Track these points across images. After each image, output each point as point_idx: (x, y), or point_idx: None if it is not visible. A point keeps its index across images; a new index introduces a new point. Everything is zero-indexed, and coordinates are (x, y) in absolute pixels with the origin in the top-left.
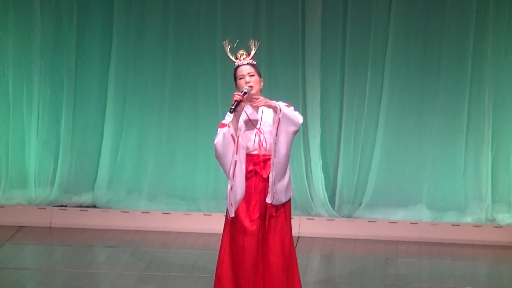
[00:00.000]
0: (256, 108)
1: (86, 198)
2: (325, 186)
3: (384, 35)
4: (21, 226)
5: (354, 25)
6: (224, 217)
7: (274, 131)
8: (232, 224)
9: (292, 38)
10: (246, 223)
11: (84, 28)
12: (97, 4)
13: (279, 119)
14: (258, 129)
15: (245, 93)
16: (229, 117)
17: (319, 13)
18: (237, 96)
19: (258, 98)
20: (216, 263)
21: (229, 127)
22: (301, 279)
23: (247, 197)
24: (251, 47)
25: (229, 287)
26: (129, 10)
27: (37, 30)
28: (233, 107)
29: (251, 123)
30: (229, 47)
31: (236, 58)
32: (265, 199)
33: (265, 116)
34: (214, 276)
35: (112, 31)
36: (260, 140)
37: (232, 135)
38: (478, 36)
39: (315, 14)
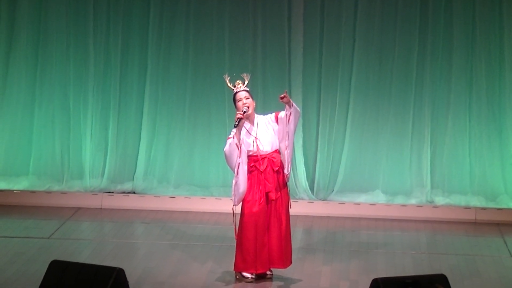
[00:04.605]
0: (252, 123)
1: (127, 186)
2: (306, 176)
3: (350, 64)
4: (79, 208)
5: (328, 56)
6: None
7: (287, 120)
8: (245, 208)
9: (281, 66)
10: (255, 207)
11: (126, 60)
12: (136, 42)
13: (291, 112)
14: (255, 137)
15: (245, 112)
16: (233, 132)
17: (301, 47)
18: (239, 114)
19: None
20: (236, 235)
21: (233, 138)
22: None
23: (251, 186)
24: (245, 78)
25: (247, 251)
26: (159, 47)
27: (91, 62)
28: (236, 123)
29: (250, 134)
30: (228, 79)
31: (234, 86)
32: (264, 188)
33: (260, 128)
34: (222, 244)
35: (147, 63)
36: (257, 145)
37: (236, 143)
38: (419, 64)
39: (298, 47)
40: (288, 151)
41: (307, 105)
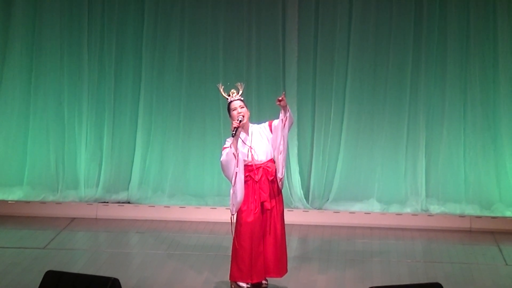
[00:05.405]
0: (247, 132)
1: (122, 196)
2: (301, 185)
3: (344, 73)
4: (74, 218)
5: (322, 65)
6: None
7: (282, 125)
8: (240, 218)
9: (275, 74)
10: (250, 216)
11: (120, 69)
12: (130, 50)
13: (287, 117)
14: (250, 147)
15: (240, 121)
16: (228, 142)
17: (295, 55)
18: (235, 123)
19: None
20: (232, 245)
21: (230, 147)
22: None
23: (246, 195)
24: (239, 87)
25: (243, 261)
26: (153, 55)
27: (85, 70)
28: (233, 132)
29: (244, 144)
30: (222, 88)
31: (228, 95)
32: (259, 198)
33: (254, 137)
34: (218, 253)
35: (141, 71)
36: (252, 154)
37: (233, 153)
38: (414, 72)
39: (292, 56)
40: (282, 155)
41: (301, 113)
